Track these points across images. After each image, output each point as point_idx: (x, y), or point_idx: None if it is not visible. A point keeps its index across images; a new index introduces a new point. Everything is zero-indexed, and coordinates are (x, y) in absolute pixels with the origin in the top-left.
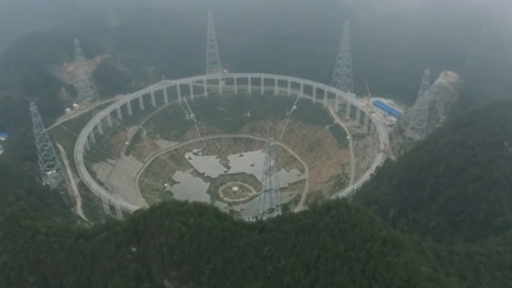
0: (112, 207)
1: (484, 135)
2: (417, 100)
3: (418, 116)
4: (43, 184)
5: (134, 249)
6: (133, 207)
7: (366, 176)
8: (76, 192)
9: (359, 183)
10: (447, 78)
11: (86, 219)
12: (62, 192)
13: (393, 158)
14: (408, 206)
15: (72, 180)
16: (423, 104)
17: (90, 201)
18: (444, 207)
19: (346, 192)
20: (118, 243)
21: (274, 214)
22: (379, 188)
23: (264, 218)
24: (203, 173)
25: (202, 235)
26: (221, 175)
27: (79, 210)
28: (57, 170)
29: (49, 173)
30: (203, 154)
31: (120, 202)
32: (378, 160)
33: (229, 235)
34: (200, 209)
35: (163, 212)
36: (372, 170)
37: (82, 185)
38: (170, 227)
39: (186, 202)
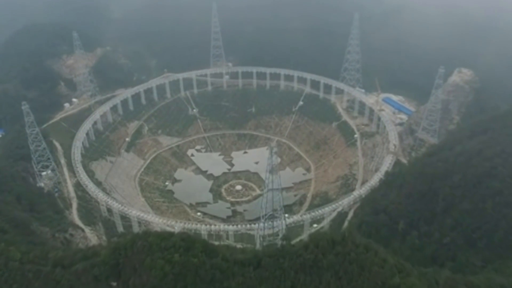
0: (109, 209)
1: (504, 144)
2: (429, 100)
3: (430, 117)
4: (38, 185)
5: (114, 284)
6: (130, 211)
7: (374, 180)
8: (72, 194)
9: (367, 187)
10: (461, 76)
11: (80, 225)
12: (57, 194)
13: (403, 160)
14: (420, 218)
15: (68, 180)
16: (435, 104)
17: (87, 202)
18: (459, 222)
19: (353, 197)
20: (96, 276)
21: (277, 220)
22: (388, 195)
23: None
24: (206, 171)
25: (188, 274)
26: (224, 173)
27: (74, 213)
28: (52, 170)
29: (43, 173)
30: (206, 151)
31: (117, 205)
32: (387, 162)
33: (219, 274)
34: (187, 243)
35: (145, 245)
36: (381, 173)
37: (78, 186)
38: (152, 265)
39: (171, 235)
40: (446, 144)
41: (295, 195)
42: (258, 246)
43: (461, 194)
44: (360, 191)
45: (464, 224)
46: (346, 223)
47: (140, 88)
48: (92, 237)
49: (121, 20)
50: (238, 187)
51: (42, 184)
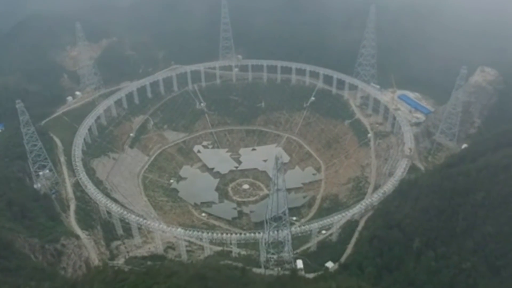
0: (109, 211)
1: None
2: (449, 101)
3: (449, 119)
4: (34, 186)
5: None
6: (129, 215)
7: (388, 187)
8: (71, 194)
9: (380, 194)
10: (484, 75)
11: (76, 230)
12: (54, 196)
13: (418, 165)
14: (437, 237)
15: (67, 180)
16: (455, 106)
17: (86, 204)
18: (481, 246)
19: (364, 205)
20: None
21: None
22: (402, 208)
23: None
24: (212, 168)
25: None
26: (231, 171)
27: (71, 216)
28: (50, 170)
29: (40, 173)
30: (213, 147)
31: (117, 209)
32: (402, 167)
33: None
34: None
35: None
36: (395, 179)
37: (78, 186)
38: None
39: (153, 281)
40: (467, 154)
41: (304, 197)
42: (262, 257)
43: (484, 215)
44: (372, 198)
45: (487, 249)
46: (356, 233)
47: (146, 81)
48: (88, 243)
49: (128, 9)
50: (245, 186)
51: (39, 185)
